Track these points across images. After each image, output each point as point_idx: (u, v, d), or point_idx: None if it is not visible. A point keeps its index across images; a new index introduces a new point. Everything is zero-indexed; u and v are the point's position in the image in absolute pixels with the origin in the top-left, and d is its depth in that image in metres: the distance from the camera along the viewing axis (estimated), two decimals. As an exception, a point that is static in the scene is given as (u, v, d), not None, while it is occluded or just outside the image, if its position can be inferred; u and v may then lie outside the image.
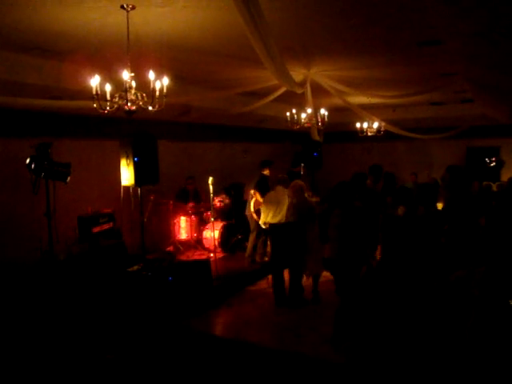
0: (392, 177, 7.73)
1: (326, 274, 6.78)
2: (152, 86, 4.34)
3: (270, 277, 7.88)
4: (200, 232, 9.14)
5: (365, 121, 10.80)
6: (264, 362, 4.95)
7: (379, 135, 10.96)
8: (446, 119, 12.55)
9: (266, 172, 8.51)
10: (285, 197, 6.61)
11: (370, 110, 10.45)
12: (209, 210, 8.75)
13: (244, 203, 8.90)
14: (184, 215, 9.03)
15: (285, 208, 6.53)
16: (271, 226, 6.70)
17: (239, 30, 4.14)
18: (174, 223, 9.03)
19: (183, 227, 9.07)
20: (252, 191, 8.28)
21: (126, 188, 7.07)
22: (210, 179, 7.60)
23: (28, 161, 5.93)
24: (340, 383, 4.58)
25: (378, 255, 5.39)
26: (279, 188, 6.85)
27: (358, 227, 5.00)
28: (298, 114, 8.37)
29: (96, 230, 6.96)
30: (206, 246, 8.96)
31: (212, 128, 10.83)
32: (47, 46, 5.61)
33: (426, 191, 5.43)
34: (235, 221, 9.47)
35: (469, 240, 5.58)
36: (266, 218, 6.74)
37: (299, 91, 7.09)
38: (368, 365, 4.66)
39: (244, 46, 4.84)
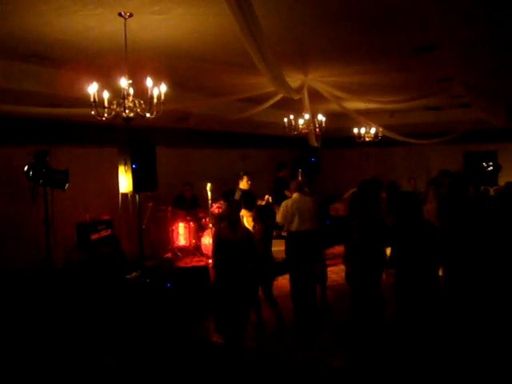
0: (394, 186, 7.77)
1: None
2: (150, 93, 4.35)
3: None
4: (198, 238, 9.12)
5: (362, 126, 10.84)
6: (263, 368, 4.94)
7: (377, 140, 11.00)
8: (443, 124, 12.61)
9: (243, 185, 8.31)
10: (309, 203, 6.39)
11: (368, 116, 10.49)
12: (207, 216, 8.74)
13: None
14: (182, 222, 9.02)
15: (310, 214, 6.28)
16: (297, 233, 6.25)
17: (236, 37, 4.17)
18: (173, 230, 9.02)
19: (181, 234, 9.06)
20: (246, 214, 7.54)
21: (125, 195, 7.07)
22: (208, 185, 7.59)
23: (26, 168, 5.93)
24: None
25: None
26: (300, 193, 6.48)
27: (377, 239, 4.95)
28: (296, 119, 8.40)
29: (94, 237, 6.94)
30: (205, 252, 8.94)
31: (210, 134, 10.86)
32: (45, 53, 5.64)
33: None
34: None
35: (467, 243, 5.59)
36: (287, 226, 6.33)
37: (296, 97, 7.12)
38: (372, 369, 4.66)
39: (241, 52, 4.86)
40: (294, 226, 6.24)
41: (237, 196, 8.15)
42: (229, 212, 5.41)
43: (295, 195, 6.42)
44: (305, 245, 6.26)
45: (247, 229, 5.62)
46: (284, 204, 6.36)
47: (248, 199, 6.50)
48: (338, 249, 8.47)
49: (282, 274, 8.00)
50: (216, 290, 5.45)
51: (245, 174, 8.49)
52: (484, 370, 4.50)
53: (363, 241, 4.86)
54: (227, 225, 5.36)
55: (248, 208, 6.54)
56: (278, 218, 6.38)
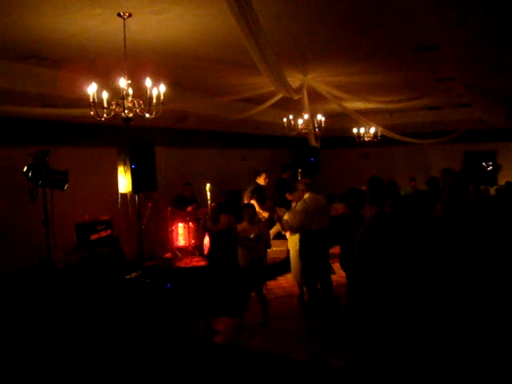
0: (394, 185, 7.74)
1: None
2: (149, 93, 4.35)
3: (267, 283, 7.87)
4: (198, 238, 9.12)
5: (362, 126, 10.84)
6: (263, 368, 4.94)
7: (376, 140, 10.99)
8: (443, 124, 12.60)
9: (261, 181, 8.53)
10: (323, 200, 6.54)
11: (367, 116, 10.48)
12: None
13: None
14: (182, 222, 9.02)
15: (325, 211, 6.43)
16: (317, 232, 6.27)
17: (236, 37, 4.16)
18: (172, 230, 9.02)
19: (181, 234, 9.05)
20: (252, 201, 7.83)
21: (124, 195, 7.07)
22: (208, 185, 7.57)
23: (25, 169, 5.92)
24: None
25: None
26: (312, 192, 6.52)
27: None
28: (295, 119, 8.39)
29: (94, 237, 6.93)
30: (204, 252, 8.94)
31: (209, 134, 10.85)
32: (44, 54, 5.62)
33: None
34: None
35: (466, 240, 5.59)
36: (308, 225, 6.30)
37: (296, 97, 7.11)
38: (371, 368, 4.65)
39: (241, 52, 4.85)
40: (315, 225, 6.24)
41: None
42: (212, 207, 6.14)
43: (308, 195, 6.41)
44: (323, 242, 6.32)
45: (229, 219, 5.97)
46: (303, 204, 6.33)
47: (260, 195, 7.40)
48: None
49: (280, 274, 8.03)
50: (209, 274, 6.00)
51: (263, 171, 8.78)
52: (484, 371, 4.50)
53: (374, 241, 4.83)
54: (210, 217, 6.00)
55: (261, 203, 7.39)
56: (297, 218, 6.29)
